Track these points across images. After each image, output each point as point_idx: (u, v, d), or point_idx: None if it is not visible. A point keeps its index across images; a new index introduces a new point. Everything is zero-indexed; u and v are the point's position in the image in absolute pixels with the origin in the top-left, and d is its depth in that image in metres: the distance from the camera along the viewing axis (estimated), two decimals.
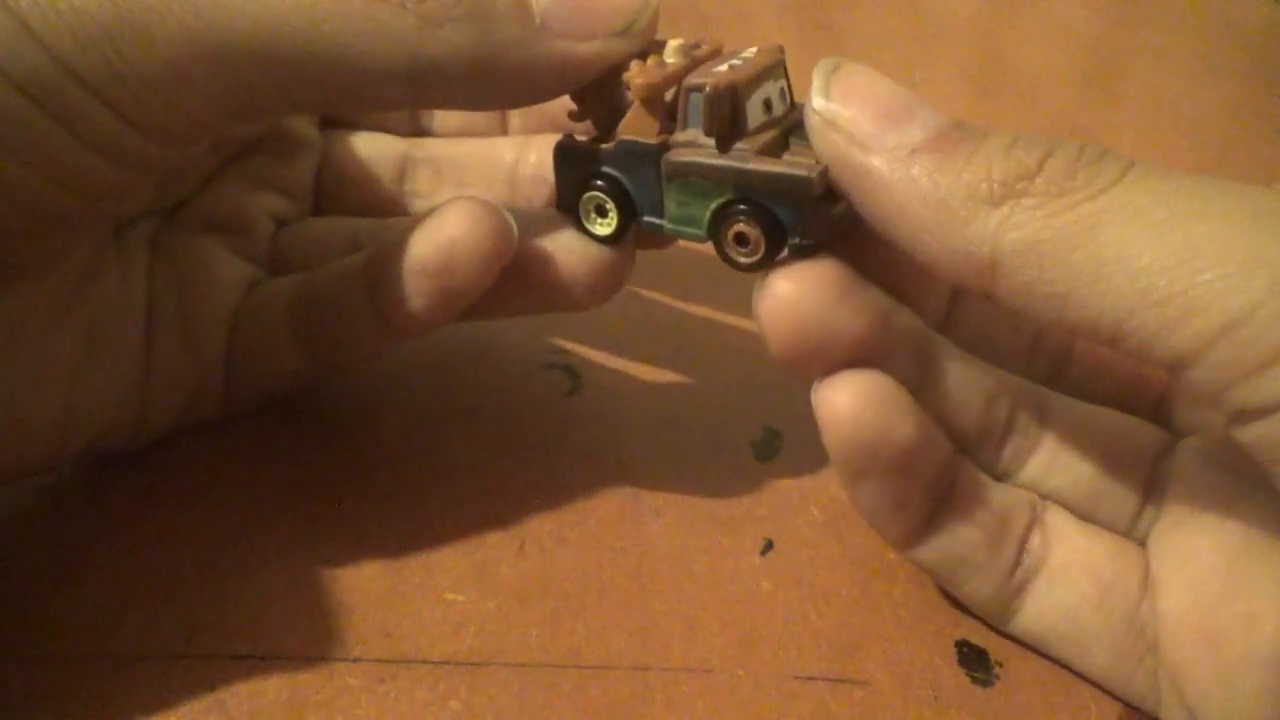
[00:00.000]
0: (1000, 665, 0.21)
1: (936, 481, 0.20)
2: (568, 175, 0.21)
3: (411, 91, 0.19)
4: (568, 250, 0.22)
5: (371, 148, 0.28)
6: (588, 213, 0.21)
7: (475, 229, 0.20)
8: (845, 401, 0.19)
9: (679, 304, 0.32)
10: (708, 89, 0.19)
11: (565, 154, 0.21)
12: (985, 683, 0.21)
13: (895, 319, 0.20)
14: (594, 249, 0.22)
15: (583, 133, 0.22)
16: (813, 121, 0.18)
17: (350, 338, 0.23)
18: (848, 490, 0.21)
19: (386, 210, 0.28)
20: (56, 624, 0.20)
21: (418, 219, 0.21)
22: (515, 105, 0.21)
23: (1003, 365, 0.22)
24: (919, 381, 0.20)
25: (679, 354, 0.29)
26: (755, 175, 0.19)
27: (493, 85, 0.19)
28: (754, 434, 0.27)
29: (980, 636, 0.21)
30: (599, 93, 0.21)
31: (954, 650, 0.21)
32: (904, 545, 0.21)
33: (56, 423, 0.21)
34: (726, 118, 0.19)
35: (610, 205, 0.21)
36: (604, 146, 0.21)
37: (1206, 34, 0.62)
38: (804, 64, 0.22)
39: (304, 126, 0.28)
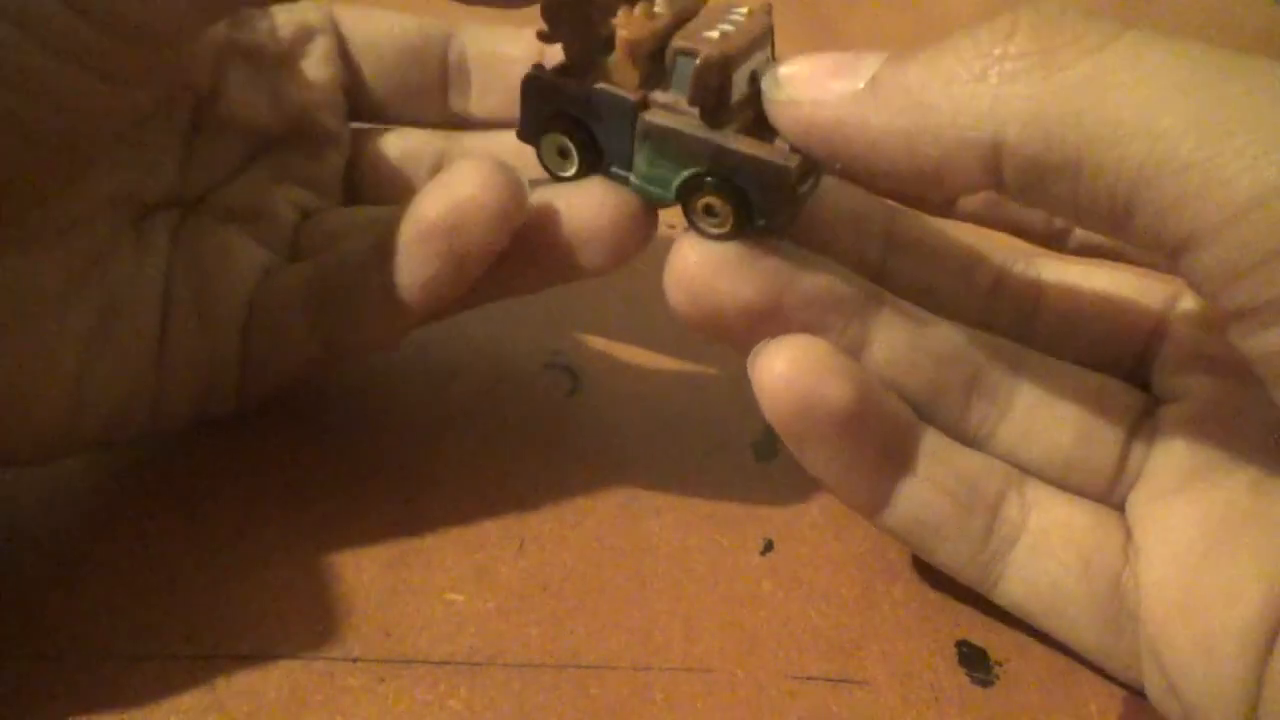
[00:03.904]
0: (1000, 665, 0.21)
1: (889, 446, 0.20)
2: (536, 109, 0.21)
3: None
4: (583, 206, 0.21)
5: (407, 144, 0.28)
6: (550, 152, 0.21)
7: (485, 187, 0.20)
8: (778, 366, 0.19)
9: None
10: (699, 61, 0.18)
11: (534, 87, 0.21)
12: (985, 683, 0.21)
13: (799, 283, 0.20)
14: (611, 200, 0.21)
15: (552, 60, 0.21)
16: (776, 114, 0.18)
17: (364, 318, 0.23)
18: (797, 457, 0.20)
19: None
20: (56, 624, 0.20)
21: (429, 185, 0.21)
22: None
23: (957, 316, 0.22)
24: (861, 344, 0.20)
25: (679, 354, 0.29)
26: (735, 155, 0.19)
27: None
28: (754, 434, 0.27)
29: (980, 637, 0.21)
30: (571, 13, 0.20)
31: (954, 650, 0.21)
32: (868, 512, 0.21)
33: (66, 398, 0.21)
34: (714, 90, 0.19)
35: (573, 150, 0.21)
36: (577, 85, 0.20)
37: (1206, 34, 0.62)
38: None
39: (331, 122, 0.27)
